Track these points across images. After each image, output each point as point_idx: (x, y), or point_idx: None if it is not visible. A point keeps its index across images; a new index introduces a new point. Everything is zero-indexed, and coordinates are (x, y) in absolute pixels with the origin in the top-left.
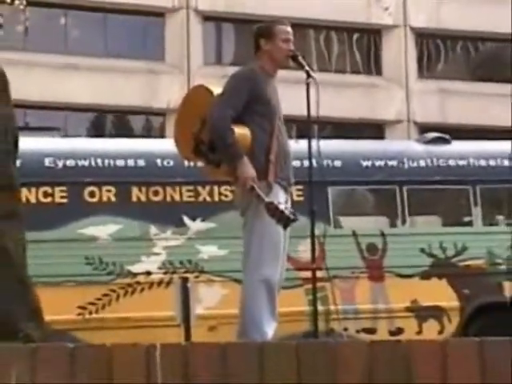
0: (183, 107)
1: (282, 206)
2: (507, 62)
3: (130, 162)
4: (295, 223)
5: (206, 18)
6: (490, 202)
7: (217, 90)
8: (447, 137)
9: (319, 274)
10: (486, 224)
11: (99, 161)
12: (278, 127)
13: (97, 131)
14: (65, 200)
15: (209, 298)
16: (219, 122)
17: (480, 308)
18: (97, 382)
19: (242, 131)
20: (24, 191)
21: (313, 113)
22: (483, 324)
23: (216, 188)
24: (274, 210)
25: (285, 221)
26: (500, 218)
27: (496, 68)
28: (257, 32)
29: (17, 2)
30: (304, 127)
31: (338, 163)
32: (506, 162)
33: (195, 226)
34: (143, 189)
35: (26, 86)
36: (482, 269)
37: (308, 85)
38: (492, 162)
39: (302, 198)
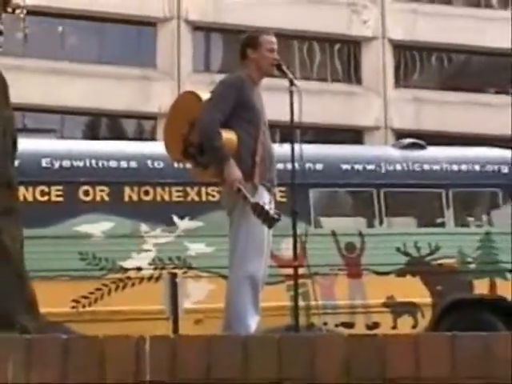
0: (173, 111)
1: (267, 207)
2: (477, 73)
3: (123, 164)
4: (278, 223)
5: (196, 27)
6: (461, 204)
7: (205, 95)
8: (422, 143)
9: (300, 270)
10: (458, 225)
11: (93, 162)
12: (262, 132)
13: (91, 134)
14: (60, 199)
15: (196, 292)
16: (208, 125)
17: (451, 304)
18: (89, 372)
19: (228, 135)
20: (22, 190)
21: (296, 119)
22: (454, 319)
23: (204, 189)
24: (259, 211)
25: (270, 221)
26: (470, 219)
27: (467, 78)
28: (244, 41)
29: (17, 11)
30: (287, 132)
31: (319, 166)
32: (477, 168)
33: (184, 224)
34: (135, 189)
35: (24, 89)
36: (453, 267)
37: (291, 92)
38: (464, 167)
39: (284, 199)
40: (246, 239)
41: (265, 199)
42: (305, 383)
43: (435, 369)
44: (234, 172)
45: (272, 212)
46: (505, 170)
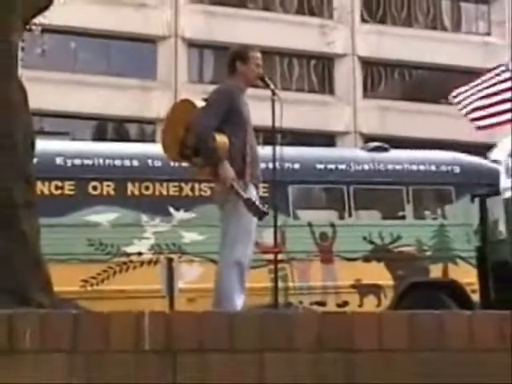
0: (170, 117)
1: (257, 202)
2: (434, 86)
3: (126, 162)
4: (266, 216)
5: (191, 44)
6: (419, 200)
7: (198, 103)
8: (386, 146)
9: (280, 256)
10: (416, 218)
11: (101, 160)
12: (250, 135)
13: (99, 136)
14: (72, 192)
15: (189, 274)
16: (203, 130)
17: (410, 286)
18: (95, 342)
19: (221, 139)
20: (39, 185)
21: (277, 124)
22: (413, 299)
23: (197, 185)
24: (250, 205)
25: (260, 214)
26: (427, 213)
27: (425, 90)
28: (234, 55)
29: (34, 28)
30: (269, 136)
31: (296, 166)
32: (433, 168)
33: (179, 215)
34: (136, 184)
35: (41, 97)
36: (412, 254)
37: (273, 101)
38: (421, 168)
39: (267, 194)
40: (235, 230)
41: (254, 195)
42: (283, 353)
43: (396, 341)
44: (228, 171)
45: (261, 206)
46: (457, 170)
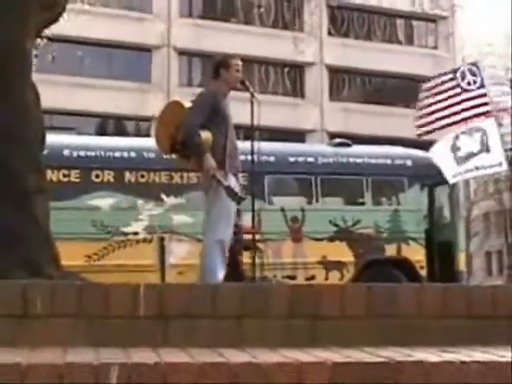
0: (162, 116)
1: (236, 189)
2: (391, 91)
3: (125, 154)
4: (243, 201)
5: (181, 53)
6: (376, 188)
7: (187, 104)
8: (349, 142)
9: (257, 237)
10: (374, 204)
11: (102, 152)
12: (231, 131)
13: (101, 131)
14: (78, 180)
15: (178, 251)
16: (190, 128)
17: (369, 263)
18: (97, 309)
19: (205, 135)
20: (49, 173)
21: (255, 122)
22: (370, 274)
23: (185, 174)
24: (230, 192)
25: (238, 199)
26: (383, 200)
27: (383, 95)
28: (217, 62)
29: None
30: (248, 132)
31: (271, 159)
32: (389, 161)
33: (170, 200)
34: (133, 173)
35: (51, 98)
36: (370, 235)
37: (252, 102)
38: (379, 161)
39: (246, 183)
40: (218, 213)
41: (233, 183)
42: (259, 319)
43: (356, 309)
44: (211, 162)
45: (239, 193)
46: (409, 163)
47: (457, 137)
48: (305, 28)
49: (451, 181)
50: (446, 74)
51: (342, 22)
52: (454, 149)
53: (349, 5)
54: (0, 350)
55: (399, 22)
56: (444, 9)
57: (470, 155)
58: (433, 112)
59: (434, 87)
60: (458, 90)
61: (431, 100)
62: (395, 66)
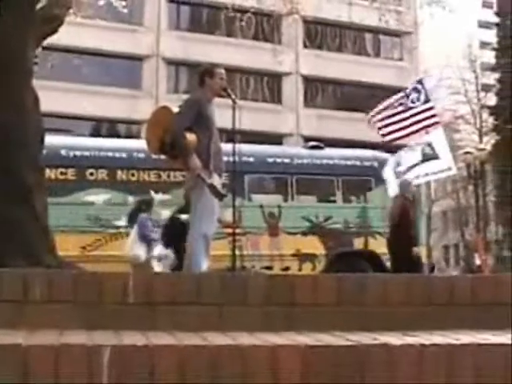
0: (152, 120)
1: (218, 187)
2: (360, 99)
3: (117, 154)
4: (225, 198)
5: (169, 62)
6: (346, 187)
7: (174, 109)
8: (322, 145)
9: (238, 231)
10: (344, 202)
11: (96, 152)
12: (214, 134)
13: (96, 133)
14: (74, 177)
15: None
16: (178, 131)
17: (338, 255)
18: (91, 294)
19: (191, 137)
20: (47, 171)
21: (236, 126)
22: (340, 265)
23: (172, 173)
24: (213, 189)
25: (220, 196)
26: (352, 198)
27: (354, 102)
28: (203, 71)
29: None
30: (230, 135)
31: (251, 159)
32: (358, 163)
33: (158, 197)
34: (124, 171)
35: (50, 102)
36: (340, 230)
37: (234, 108)
38: (349, 162)
39: (228, 182)
40: (202, 208)
41: (217, 181)
42: (238, 306)
43: (327, 298)
44: (196, 162)
45: (221, 190)
46: (376, 164)
47: (400, 156)
48: (282, 40)
49: (391, 193)
50: (403, 91)
51: (316, 36)
52: (395, 166)
53: (322, 20)
54: (2, 332)
55: (368, 36)
56: (407, 25)
57: (412, 166)
58: (393, 123)
59: (391, 104)
60: (408, 106)
61: (389, 113)
62: (364, 76)
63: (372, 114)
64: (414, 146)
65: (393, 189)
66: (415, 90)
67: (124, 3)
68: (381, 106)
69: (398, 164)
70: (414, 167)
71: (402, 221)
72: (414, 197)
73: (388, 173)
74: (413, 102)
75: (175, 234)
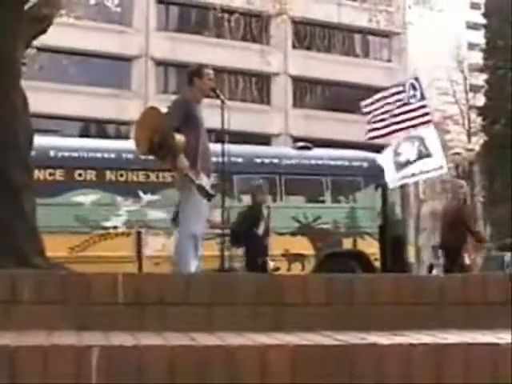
0: (141, 120)
1: (207, 187)
2: (348, 100)
3: (105, 155)
4: (214, 198)
5: (158, 63)
6: (335, 188)
7: (163, 110)
8: (310, 145)
9: (227, 231)
10: (333, 202)
11: (85, 153)
12: (203, 135)
13: (84, 134)
14: (62, 178)
15: (154, 244)
16: (166, 131)
17: (327, 255)
18: (80, 294)
19: (179, 137)
20: (36, 172)
21: (225, 126)
22: (329, 265)
23: (160, 173)
24: (201, 189)
25: (208, 196)
26: (341, 198)
27: (342, 103)
28: (191, 71)
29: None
30: (219, 136)
31: (240, 160)
32: (346, 163)
33: (146, 197)
34: (113, 172)
35: (39, 103)
36: (329, 230)
37: (222, 108)
38: (338, 163)
39: (217, 182)
40: (191, 209)
41: (205, 181)
42: (227, 307)
43: (316, 298)
44: (184, 162)
45: (210, 190)
46: (365, 165)
47: (399, 143)
48: (271, 41)
49: (390, 186)
50: (397, 85)
51: (305, 36)
52: (396, 154)
53: (311, 20)
54: None
55: (357, 36)
56: (397, 26)
57: (408, 162)
58: (381, 120)
59: (384, 97)
60: (404, 101)
61: (381, 109)
62: (353, 76)
63: (366, 103)
64: (413, 138)
65: (390, 177)
66: (413, 86)
67: (117, 2)
68: (376, 96)
69: (396, 153)
70: (410, 165)
71: (457, 224)
72: (402, 195)
73: (386, 161)
74: (410, 97)
75: None
